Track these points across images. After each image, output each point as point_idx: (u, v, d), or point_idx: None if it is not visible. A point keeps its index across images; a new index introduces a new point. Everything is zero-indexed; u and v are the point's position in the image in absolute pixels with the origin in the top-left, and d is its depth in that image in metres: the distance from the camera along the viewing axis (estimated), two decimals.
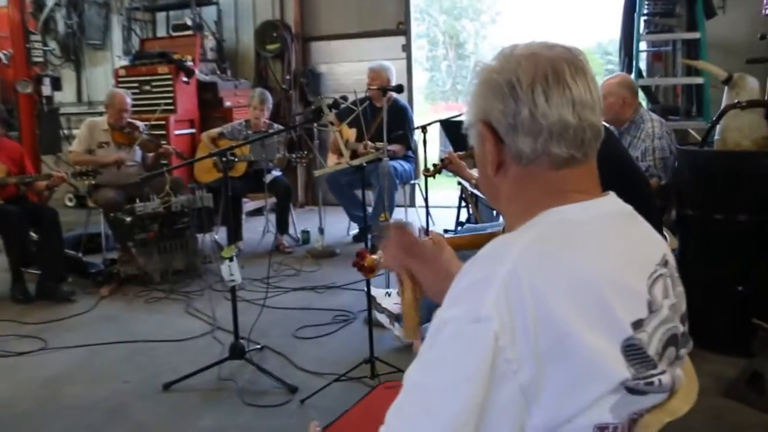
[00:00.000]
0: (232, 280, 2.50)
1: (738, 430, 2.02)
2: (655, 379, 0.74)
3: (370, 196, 4.97)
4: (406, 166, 4.74)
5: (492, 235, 1.89)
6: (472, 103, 0.85)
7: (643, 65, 4.54)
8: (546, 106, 0.78)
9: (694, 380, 0.87)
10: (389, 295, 2.90)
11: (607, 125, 1.77)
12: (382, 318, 2.89)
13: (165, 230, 3.92)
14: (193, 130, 5.57)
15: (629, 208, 0.85)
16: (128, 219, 3.84)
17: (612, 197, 0.84)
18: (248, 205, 5.27)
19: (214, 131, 4.77)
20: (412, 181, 5.00)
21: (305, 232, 4.85)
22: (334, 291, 3.70)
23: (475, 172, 2.54)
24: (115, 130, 4.24)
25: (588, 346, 0.69)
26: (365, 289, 3.03)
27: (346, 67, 6.19)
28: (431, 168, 2.67)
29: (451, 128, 3.98)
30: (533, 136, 0.78)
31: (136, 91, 5.17)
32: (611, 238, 0.79)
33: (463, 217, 4.50)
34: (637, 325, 0.73)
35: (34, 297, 3.67)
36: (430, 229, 4.02)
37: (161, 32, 6.62)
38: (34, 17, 6.42)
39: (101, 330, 3.18)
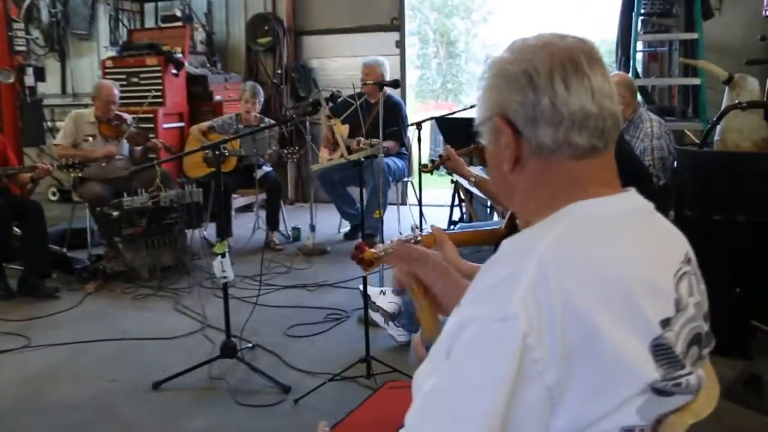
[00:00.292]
0: (224, 277, 2.47)
1: (742, 431, 2.03)
2: (683, 380, 0.73)
3: (358, 193, 4.96)
4: (399, 163, 4.73)
5: (493, 233, 1.89)
6: (486, 97, 0.84)
7: (638, 66, 4.56)
8: (566, 94, 0.77)
9: (715, 381, 0.86)
10: (384, 294, 2.87)
11: None
12: (376, 317, 2.86)
13: (153, 225, 3.87)
14: (181, 124, 5.51)
15: (650, 204, 0.84)
16: (115, 213, 3.79)
17: (633, 193, 0.83)
18: (237, 201, 5.23)
19: (204, 125, 4.72)
20: (405, 179, 4.99)
21: (296, 229, 4.83)
22: (325, 289, 3.69)
23: (473, 170, 2.53)
24: (102, 122, 4.17)
25: (617, 346, 0.68)
26: (359, 287, 3.05)
27: (339, 63, 6.16)
28: (429, 164, 2.66)
29: (447, 125, 3.96)
30: (554, 125, 0.77)
31: (124, 83, 5.09)
32: (637, 234, 0.78)
33: (456, 215, 4.50)
34: (665, 323, 0.73)
35: (16, 293, 3.61)
36: (431, 223, 4.00)
37: (149, 23, 6.54)
38: (17, 4, 6.28)
39: (87, 327, 3.13)
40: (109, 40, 6.48)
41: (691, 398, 0.76)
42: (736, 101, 2.21)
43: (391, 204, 4.69)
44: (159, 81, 5.33)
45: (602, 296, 0.69)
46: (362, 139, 4.23)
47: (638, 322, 0.70)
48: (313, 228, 4.56)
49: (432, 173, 2.83)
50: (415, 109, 12.69)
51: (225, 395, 2.40)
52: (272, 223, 4.61)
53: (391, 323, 2.83)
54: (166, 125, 5.33)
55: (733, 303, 2.35)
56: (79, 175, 3.95)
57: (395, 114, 4.41)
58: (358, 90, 4.39)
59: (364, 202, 4.68)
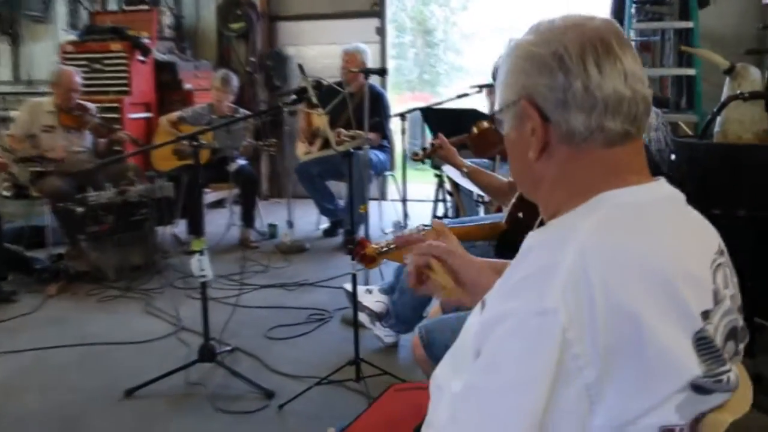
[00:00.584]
0: (203, 276, 2.42)
1: (741, 431, 2.06)
2: (724, 377, 0.73)
3: (338, 187, 4.94)
4: (381, 156, 4.71)
5: (494, 227, 1.88)
6: (509, 81, 0.83)
7: None
8: (599, 77, 0.76)
9: (746, 377, 0.87)
10: (370, 293, 2.86)
11: None
12: (362, 317, 2.85)
13: (120, 222, 3.79)
14: (149, 114, 5.40)
15: (681, 194, 0.84)
16: (79, 210, 3.69)
17: (663, 182, 0.83)
18: (208, 196, 5.16)
19: (174, 115, 4.64)
20: (387, 173, 4.98)
21: (272, 226, 4.79)
22: (306, 288, 3.67)
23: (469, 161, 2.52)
24: (62, 112, 4.06)
25: (661, 339, 0.68)
26: (342, 286, 3.03)
27: (316, 50, 6.11)
28: (420, 152, 2.65)
29: (433, 116, 3.95)
30: (587, 111, 0.77)
31: (86, 69, 4.96)
32: (673, 224, 0.78)
33: (440, 211, 4.50)
34: (705, 316, 0.72)
35: None
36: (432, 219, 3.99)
37: (113, 5, 6.39)
38: None
39: (49, 333, 3.04)
40: (68, 23, 6.31)
41: (729, 396, 0.76)
42: (738, 91, 2.24)
43: (372, 199, 4.68)
44: (124, 68, 5.21)
45: (645, 287, 0.69)
46: (342, 130, 4.20)
47: (681, 314, 0.70)
48: (290, 224, 4.53)
49: (423, 162, 2.82)
50: (390, 102, 12.66)
51: (204, 402, 2.36)
52: (248, 220, 4.56)
53: (377, 323, 2.83)
54: (132, 115, 5.21)
55: None
56: (38, 169, 3.84)
57: (377, 104, 4.39)
58: (336, 79, 4.36)
59: (339, 200, 4.71)
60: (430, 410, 0.95)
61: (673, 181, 0.85)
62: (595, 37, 0.78)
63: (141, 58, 5.30)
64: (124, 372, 2.60)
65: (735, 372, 0.77)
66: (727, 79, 2.30)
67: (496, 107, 0.88)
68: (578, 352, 0.66)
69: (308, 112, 4.58)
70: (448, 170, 3.40)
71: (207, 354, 2.51)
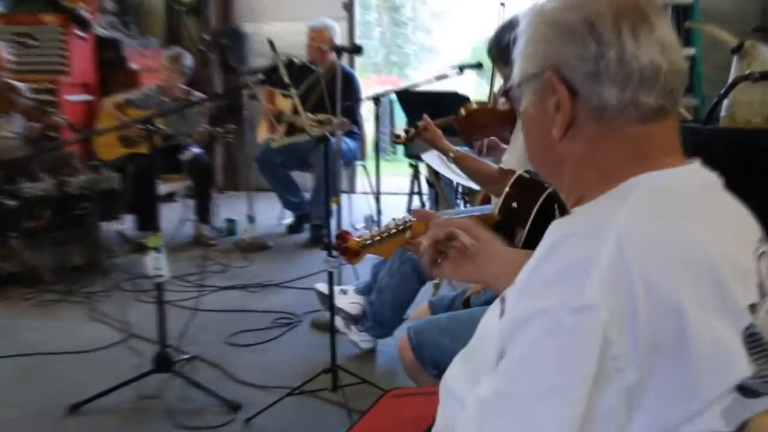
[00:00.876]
0: (160, 275, 2.36)
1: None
2: None
3: (303, 178, 4.89)
4: (351, 143, 4.69)
5: (486, 218, 1.86)
6: (531, 51, 0.82)
7: None
8: (635, 47, 0.75)
9: None
10: (344, 293, 2.84)
11: None
12: (336, 320, 2.80)
13: (59, 217, 3.67)
14: (89, 97, 5.25)
15: (718, 178, 0.84)
16: (11, 203, 3.56)
17: (698, 165, 0.83)
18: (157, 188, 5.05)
19: (119, 97, 4.53)
20: (357, 162, 4.95)
21: (230, 222, 4.74)
22: (271, 290, 3.65)
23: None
24: None
25: (706, 335, 0.67)
26: (313, 286, 3.00)
27: (278, 27, 6.00)
28: (403, 134, 2.62)
29: (409, 100, 3.93)
30: (621, 83, 0.76)
31: (16, 45, 4.78)
32: (714, 210, 0.78)
33: (416, 204, 4.49)
34: (752, 310, 0.72)
35: None
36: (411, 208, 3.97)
37: None
38: None
39: None
40: None
41: None
42: (747, 71, 2.25)
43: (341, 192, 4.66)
44: (60, 45, 5.05)
45: (689, 279, 0.68)
46: (309, 114, 4.14)
47: (729, 309, 0.69)
48: (251, 219, 4.49)
49: (406, 145, 2.80)
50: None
51: (160, 417, 2.30)
52: (203, 215, 4.51)
53: (353, 327, 2.82)
54: (70, 98, 5.06)
55: None
56: None
57: (347, 87, 4.33)
58: (297, 58, 4.31)
59: (314, 189, 4.66)
60: (440, 416, 0.93)
61: None
62: (629, 3, 0.77)
63: (80, 33, 5.15)
64: (67, 385, 2.53)
65: None
66: (735, 58, 2.31)
67: (515, 80, 0.86)
68: (617, 353, 0.65)
69: (272, 94, 4.52)
70: (429, 158, 3.37)
71: (163, 363, 2.45)
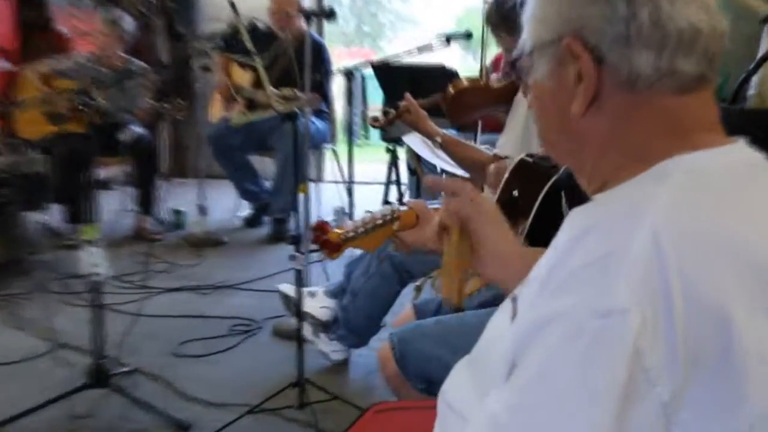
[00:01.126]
0: (96, 274, 2.32)
1: None
2: None
3: (264, 163, 4.85)
4: (320, 124, 4.69)
5: None
6: (546, 14, 0.82)
7: None
8: (670, 6, 0.75)
9: None
10: (313, 296, 2.82)
11: None
12: (303, 326, 2.80)
13: None
14: (7, 64, 5.13)
15: (763, 158, 0.83)
16: None
17: (743, 144, 0.82)
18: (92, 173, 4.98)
19: (44, 65, 4.44)
20: (326, 146, 4.93)
21: (178, 213, 4.74)
22: (226, 292, 3.66)
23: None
24: None
25: (758, 345, 0.66)
26: (276, 288, 2.98)
27: None
28: (381, 117, 2.60)
29: (389, 75, 3.92)
30: (656, 48, 0.76)
31: None
32: (762, 197, 0.77)
33: (393, 196, 4.50)
34: None
35: None
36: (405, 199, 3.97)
37: None
38: None
39: None
40: None
41: None
42: None
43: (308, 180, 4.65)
44: None
45: (735, 276, 0.67)
46: (272, 89, 4.10)
47: None
48: (202, 210, 4.48)
49: (385, 129, 2.78)
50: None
51: None
52: (146, 205, 4.50)
53: (322, 335, 2.81)
54: None
55: None
56: None
57: (316, 58, 4.31)
58: (261, 22, 4.28)
59: (276, 176, 4.63)
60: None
61: None
62: None
63: None
64: None
65: None
66: (765, 29, 2.34)
67: (525, 48, 0.86)
68: (651, 364, 0.64)
69: (229, 64, 4.48)
70: (411, 140, 3.36)
71: (99, 377, 2.42)
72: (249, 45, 2.32)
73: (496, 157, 2.28)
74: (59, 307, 3.27)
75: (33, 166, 3.83)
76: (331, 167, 5.22)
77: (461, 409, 0.89)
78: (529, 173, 1.65)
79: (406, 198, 4.35)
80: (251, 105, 4.36)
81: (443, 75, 3.45)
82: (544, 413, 0.66)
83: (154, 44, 5.90)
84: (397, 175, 4.45)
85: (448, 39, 3.63)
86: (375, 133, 10.13)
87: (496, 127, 3.14)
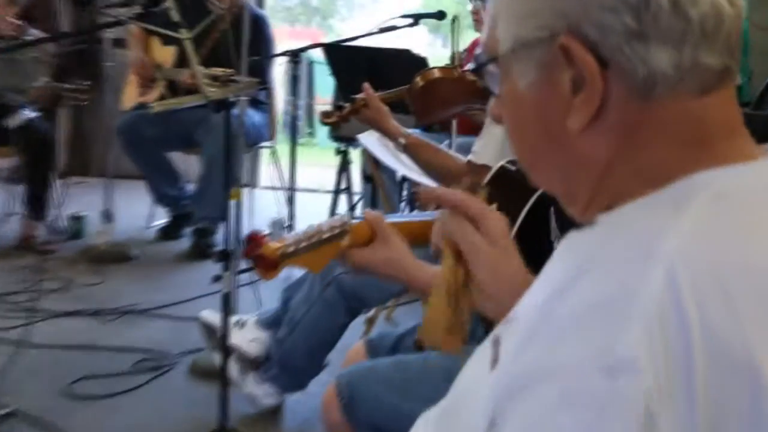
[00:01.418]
0: None
1: None
2: None
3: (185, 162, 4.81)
4: (256, 118, 4.69)
5: None
6: (532, 5, 0.80)
7: None
8: None
9: None
10: (241, 326, 2.80)
11: None
12: (229, 364, 2.78)
13: None
14: None
15: None
16: None
17: None
18: None
19: None
20: (264, 144, 4.92)
21: (77, 219, 4.70)
22: (133, 319, 3.61)
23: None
24: None
25: None
26: (198, 315, 2.95)
27: None
28: (335, 112, 2.59)
29: (343, 60, 3.91)
30: (676, 41, 0.74)
31: None
32: None
33: (342, 206, 4.50)
34: None
35: None
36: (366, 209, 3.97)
37: None
38: None
39: None
40: None
41: None
42: None
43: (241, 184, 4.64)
44: None
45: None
46: (200, 69, 4.07)
47: None
48: (107, 217, 4.46)
49: (337, 126, 2.78)
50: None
51: None
52: (36, 208, 4.46)
53: (251, 375, 2.79)
54: None
55: None
56: None
57: (256, 35, 4.31)
58: None
59: (201, 178, 4.59)
60: None
61: None
62: None
63: None
64: None
65: None
66: None
67: (499, 48, 0.83)
68: (667, 429, 0.63)
69: (147, 39, 4.44)
70: (368, 141, 3.37)
71: None
72: (175, 15, 2.29)
73: (472, 165, 2.29)
74: None
75: None
76: (268, 170, 5.24)
77: None
78: (510, 184, 1.66)
79: (360, 210, 4.35)
80: (173, 89, 4.32)
81: (410, 62, 3.45)
82: None
83: (56, 10, 5.83)
84: (349, 182, 4.46)
85: (416, 18, 3.66)
86: (323, 131, 10.20)
87: (473, 128, 3.16)
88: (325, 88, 9.56)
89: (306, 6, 18.03)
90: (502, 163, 1.71)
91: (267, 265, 1.36)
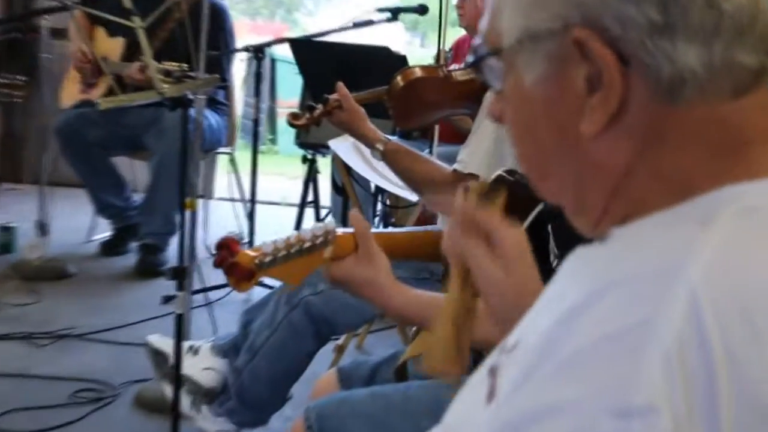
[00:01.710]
0: None
1: None
2: None
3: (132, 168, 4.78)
4: (213, 119, 4.68)
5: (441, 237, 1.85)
6: None
7: None
8: None
9: None
10: (195, 353, 2.78)
11: None
12: (180, 395, 2.76)
13: None
14: None
15: None
16: None
17: None
18: None
19: None
20: (222, 150, 4.92)
21: (7, 231, 4.70)
22: (70, 344, 3.60)
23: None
24: None
25: None
26: (146, 339, 2.92)
27: None
28: (304, 114, 2.58)
29: (312, 57, 3.91)
30: (707, 37, 0.74)
31: None
32: None
33: (309, 220, 4.49)
34: None
35: None
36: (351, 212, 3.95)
37: None
38: None
39: None
40: None
41: None
42: None
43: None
44: None
45: None
46: (153, 63, 4.07)
47: None
48: (42, 229, 4.43)
49: (308, 130, 2.77)
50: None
51: None
52: None
53: (205, 408, 2.76)
54: None
55: None
56: None
57: (215, 26, 4.29)
58: None
59: (150, 187, 4.57)
60: None
61: None
62: None
63: None
64: None
65: None
66: None
67: (505, 39, 0.83)
68: None
69: (91, 28, 4.42)
70: (341, 148, 3.37)
71: None
72: (127, 2, 2.28)
73: (458, 175, 2.29)
74: None
75: None
76: (225, 180, 5.23)
77: None
78: (508, 197, 1.66)
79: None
80: (120, 85, 4.29)
81: (388, 61, 3.45)
82: None
83: None
84: (316, 193, 4.46)
85: (395, 13, 3.67)
86: (285, 138, 10.18)
87: (456, 136, 3.17)
88: (288, 89, 9.55)
89: (269, 0, 18.12)
90: (499, 172, 1.71)
91: (241, 275, 1.36)
